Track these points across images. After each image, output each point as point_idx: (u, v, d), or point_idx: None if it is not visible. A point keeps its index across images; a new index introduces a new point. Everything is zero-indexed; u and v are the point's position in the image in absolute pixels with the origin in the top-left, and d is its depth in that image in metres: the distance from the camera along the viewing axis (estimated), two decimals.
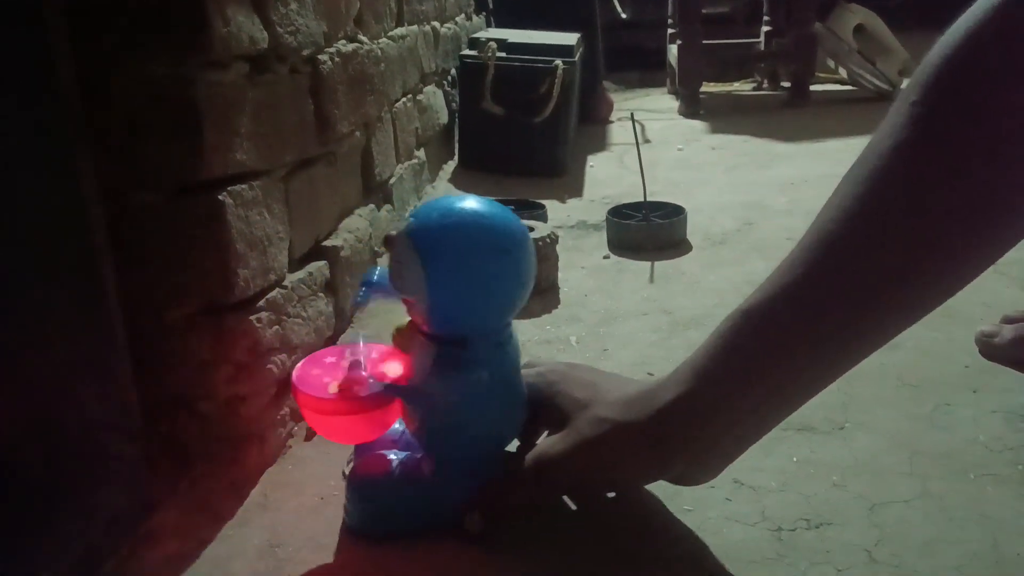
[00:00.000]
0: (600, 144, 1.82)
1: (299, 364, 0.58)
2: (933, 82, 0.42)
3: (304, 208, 0.76)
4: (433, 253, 0.50)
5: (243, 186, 0.63)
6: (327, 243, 0.81)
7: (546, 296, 0.94)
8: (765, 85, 2.48)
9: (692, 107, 2.10)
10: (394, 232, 0.52)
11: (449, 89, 1.56)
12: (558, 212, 1.28)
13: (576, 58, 1.51)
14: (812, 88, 2.23)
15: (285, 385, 0.68)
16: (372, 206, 0.98)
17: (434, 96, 1.42)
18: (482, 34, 1.59)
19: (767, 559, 0.52)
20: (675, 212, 1.13)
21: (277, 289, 0.67)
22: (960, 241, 0.43)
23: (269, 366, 0.65)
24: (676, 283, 0.98)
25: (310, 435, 0.68)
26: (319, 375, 0.56)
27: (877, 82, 2.12)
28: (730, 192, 1.35)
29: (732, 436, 0.50)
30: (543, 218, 1.16)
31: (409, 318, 0.55)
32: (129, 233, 0.58)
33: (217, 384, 0.62)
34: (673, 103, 2.26)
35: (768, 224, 1.16)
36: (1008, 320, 0.77)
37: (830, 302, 0.45)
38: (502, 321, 0.53)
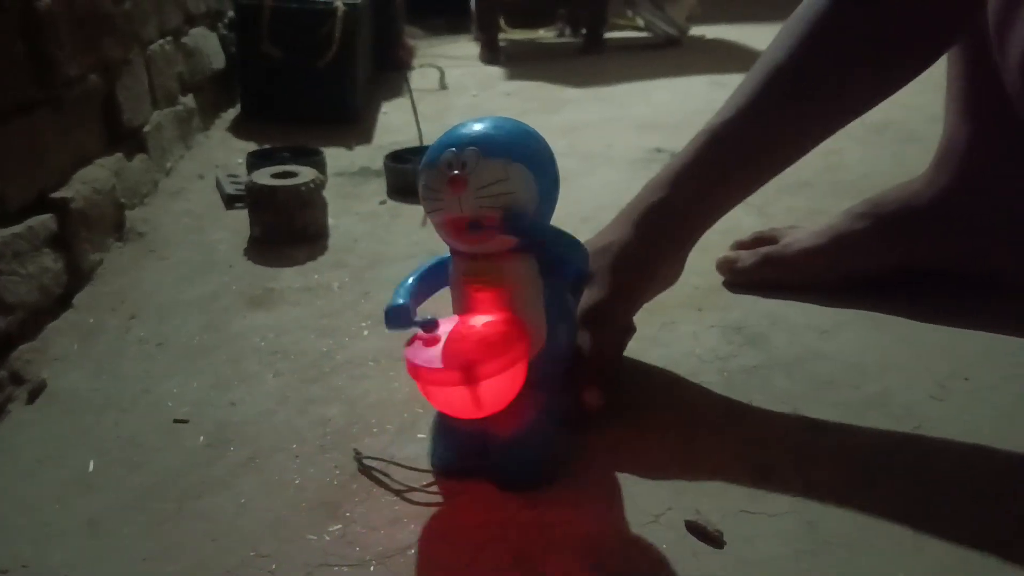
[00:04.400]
0: (397, 90, 1.79)
1: (415, 360, 0.49)
2: None
3: (21, 157, 0.70)
4: (534, 161, 0.50)
5: None
6: (56, 195, 0.75)
7: (314, 243, 0.92)
8: (567, 33, 2.53)
9: (491, 54, 2.11)
10: (457, 171, 0.48)
11: (226, 32, 1.48)
12: (343, 159, 1.26)
13: (360, 0, 1.47)
14: (610, 36, 2.29)
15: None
16: (120, 155, 0.92)
17: (205, 39, 1.34)
18: None
19: None
20: None
21: None
22: (874, 58, 0.61)
23: None
24: None
25: (32, 398, 0.64)
26: (444, 357, 0.49)
27: (666, 28, 2.21)
28: None
29: (700, 225, 0.66)
30: (320, 164, 1.14)
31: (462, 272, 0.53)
32: None
33: None
34: (476, 50, 2.26)
35: None
36: (739, 245, 0.83)
37: (777, 114, 0.63)
38: None
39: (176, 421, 0.61)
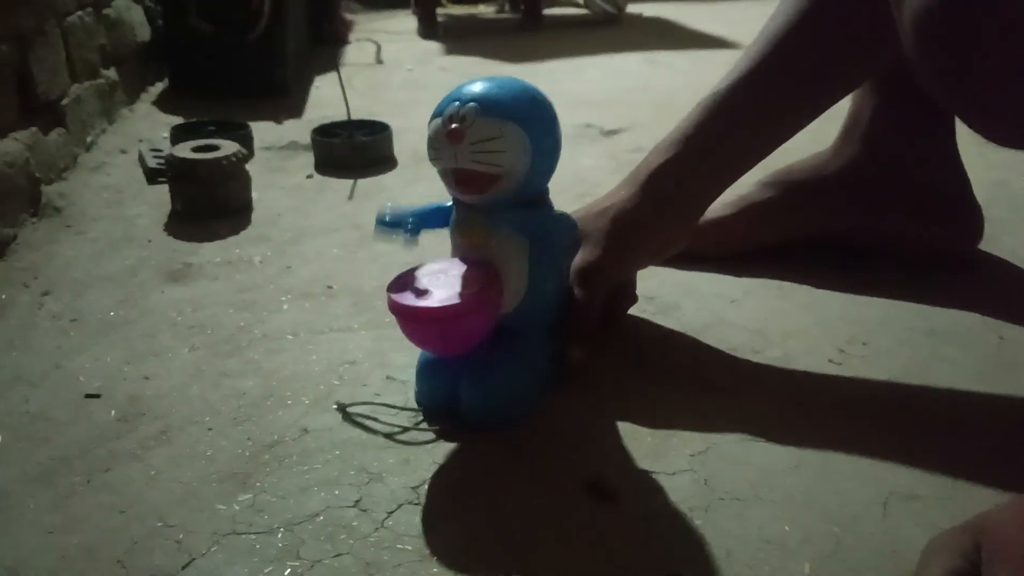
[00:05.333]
0: (331, 64, 1.77)
1: (394, 297, 0.53)
2: None
3: None
4: (532, 123, 0.53)
5: None
6: None
7: (237, 217, 0.92)
8: (507, 8, 2.52)
9: (429, 28, 2.10)
10: (456, 125, 0.52)
11: (152, 4, 1.44)
12: (272, 133, 1.25)
13: None
14: (550, 12, 2.30)
15: None
16: (34, 129, 0.90)
17: (128, 10, 1.31)
18: None
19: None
20: (380, 130, 1.13)
21: None
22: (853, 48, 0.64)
23: None
24: (374, 199, 0.99)
25: None
26: (430, 298, 0.53)
27: (604, 5, 2.23)
28: None
29: (704, 190, 0.66)
30: (247, 138, 1.12)
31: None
32: None
33: None
34: (414, 24, 2.24)
35: None
36: None
37: (774, 83, 0.65)
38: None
39: (88, 396, 0.60)
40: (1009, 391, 0.60)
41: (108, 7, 1.21)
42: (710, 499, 0.50)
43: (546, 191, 0.58)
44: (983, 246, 0.81)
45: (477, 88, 0.53)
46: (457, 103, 0.53)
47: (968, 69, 0.44)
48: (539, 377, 0.59)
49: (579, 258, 0.63)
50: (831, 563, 0.45)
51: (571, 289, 0.62)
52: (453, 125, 0.52)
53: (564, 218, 0.60)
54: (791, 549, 0.46)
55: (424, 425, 0.57)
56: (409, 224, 0.58)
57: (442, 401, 0.58)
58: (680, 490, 0.51)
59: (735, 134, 0.65)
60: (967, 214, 0.79)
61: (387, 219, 0.58)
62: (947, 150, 0.78)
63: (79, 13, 1.08)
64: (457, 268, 0.56)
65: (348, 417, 0.58)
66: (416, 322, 0.53)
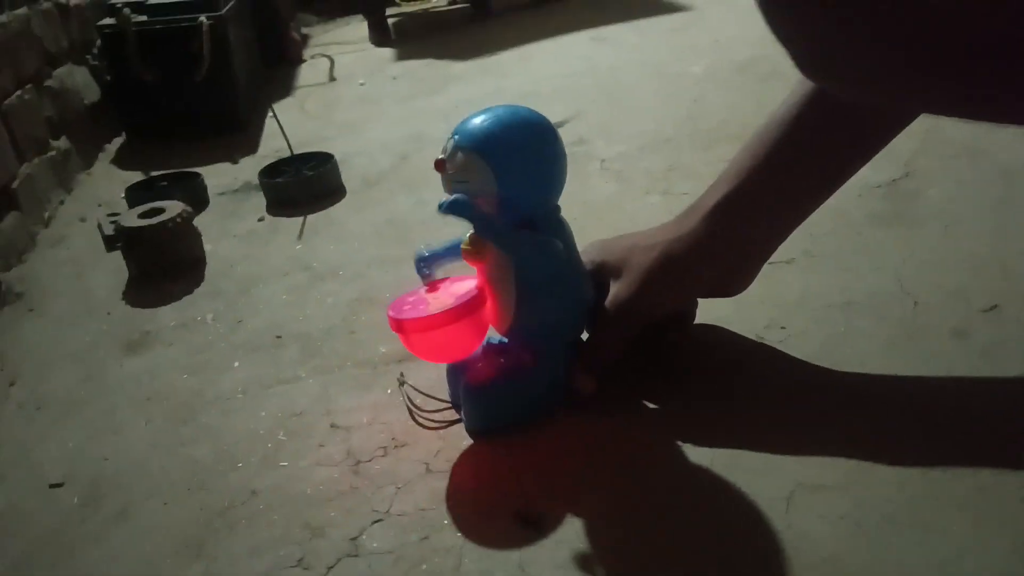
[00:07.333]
0: (286, 89, 1.79)
1: (389, 308, 0.61)
2: None
3: None
4: (501, 161, 0.57)
5: None
6: None
7: (189, 275, 0.95)
8: None
9: (380, 34, 2.11)
10: (443, 156, 0.58)
11: (96, 62, 1.47)
12: (226, 175, 1.27)
13: (224, 10, 1.47)
14: None
15: None
16: None
17: (70, 76, 1.34)
18: None
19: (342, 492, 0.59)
20: (325, 161, 1.16)
21: None
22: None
23: None
24: (324, 235, 1.02)
25: None
26: (411, 310, 0.61)
27: None
28: (397, 126, 1.39)
29: (764, 235, 0.62)
30: (200, 188, 1.15)
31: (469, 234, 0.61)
32: None
33: None
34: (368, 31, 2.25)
35: (421, 156, 1.22)
36: None
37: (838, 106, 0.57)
38: (555, 200, 0.61)
39: (52, 486, 0.64)
40: (919, 360, 0.63)
41: (49, 78, 1.24)
42: (634, 507, 0.53)
43: (551, 213, 0.61)
44: (907, 201, 0.82)
45: (466, 121, 0.58)
46: (452, 135, 0.58)
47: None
48: (542, 393, 0.62)
49: (613, 291, 0.62)
50: (737, 561, 0.48)
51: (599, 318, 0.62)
52: (439, 156, 0.58)
53: (544, 244, 0.60)
54: (699, 551, 0.49)
55: (447, 416, 0.64)
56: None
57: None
58: (598, 504, 0.54)
59: (798, 163, 0.59)
60: None
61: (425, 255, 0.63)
62: None
63: (17, 93, 1.11)
64: (456, 284, 0.63)
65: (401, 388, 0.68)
66: (401, 333, 0.60)
